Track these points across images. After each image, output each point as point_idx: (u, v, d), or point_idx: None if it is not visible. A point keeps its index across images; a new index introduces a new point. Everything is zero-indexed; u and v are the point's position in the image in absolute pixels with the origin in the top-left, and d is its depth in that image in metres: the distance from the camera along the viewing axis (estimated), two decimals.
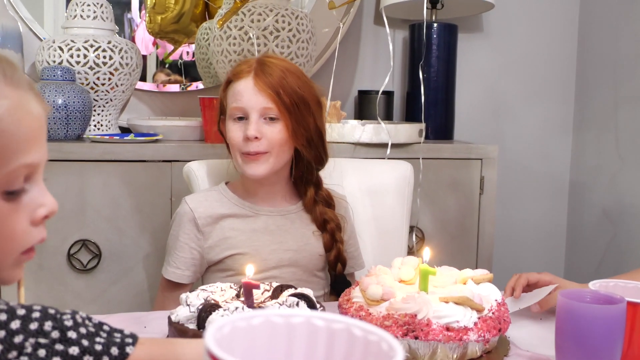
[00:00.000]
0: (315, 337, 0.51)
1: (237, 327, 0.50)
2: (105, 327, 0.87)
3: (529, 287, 1.38)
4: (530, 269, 2.92)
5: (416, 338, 1.04)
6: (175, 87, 2.62)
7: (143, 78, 2.58)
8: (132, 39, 2.62)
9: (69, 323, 0.84)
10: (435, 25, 2.51)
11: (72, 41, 2.13)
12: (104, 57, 2.14)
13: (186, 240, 1.52)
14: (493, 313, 1.10)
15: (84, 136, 2.11)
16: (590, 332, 0.95)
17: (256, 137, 1.47)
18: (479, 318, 1.08)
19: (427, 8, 2.56)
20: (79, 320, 0.85)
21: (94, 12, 2.19)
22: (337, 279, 1.61)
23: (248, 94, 1.48)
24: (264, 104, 1.48)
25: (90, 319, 0.89)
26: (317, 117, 1.54)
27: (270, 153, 1.49)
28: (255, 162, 1.49)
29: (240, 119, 1.50)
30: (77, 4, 2.19)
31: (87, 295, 2.00)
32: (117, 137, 2.06)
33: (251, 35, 2.04)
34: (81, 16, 2.18)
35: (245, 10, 2.12)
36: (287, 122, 1.49)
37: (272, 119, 1.49)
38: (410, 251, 2.20)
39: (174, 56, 2.70)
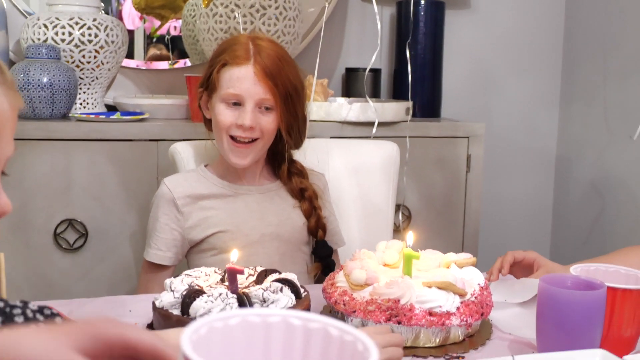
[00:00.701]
0: (292, 337, 0.52)
1: (214, 327, 0.51)
2: (58, 320, 0.85)
3: (515, 265, 1.40)
4: (516, 244, 2.96)
5: (399, 323, 1.05)
6: (162, 65, 2.60)
7: (130, 54, 2.56)
8: (119, 13, 2.59)
9: (19, 320, 0.81)
10: (422, 2, 2.50)
11: (57, 18, 2.11)
12: (89, 34, 2.12)
13: (166, 221, 1.53)
14: (475, 297, 1.12)
15: (70, 115, 2.10)
16: (571, 317, 0.97)
17: (251, 127, 1.48)
18: (461, 302, 1.09)
19: None
20: (29, 314, 0.83)
21: None
22: (319, 243, 1.62)
23: (248, 83, 1.48)
24: (261, 95, 1.49)
25: (42, 312, 0.85)
26: (304, 104, 1.57)
27: (260, 140, 1.52)
28: (244, 151, 1.50)
29: (235, 104, 1.49)
30: None
31: (74, 274, 2.00)
32: (103, 116, 2.05)
33: (237, 15, 2.03)
34: None
35: None
36: (280, 111, 1.51)
37: (267, 108, 1.51)
38: (397, 229, 2.22)
39: (162, 31, 2.68)
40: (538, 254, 1.37)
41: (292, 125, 1.55)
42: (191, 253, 1.56)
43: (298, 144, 1.61)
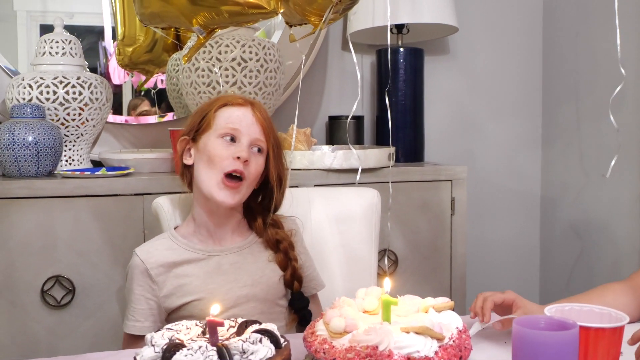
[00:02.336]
0: None
1: None
2: None
3: (495, 308, 1.41)
4: (504, 286, 2.97)
5: None
6: (146, 119, 2.63)
7: (118, 108, 2.60)
8: (107, 68, 2.63)
9: None
10: (401, 49, 2.55)
11: (42, 78, 2.15)
12: (74, 92, 2.16)
13: (142, 292, 1.53)
14: (454, 341, 1.13)
15: (56, 172, 2.12)
16: (545, 357, 0.98)
17: (246, 161, 1.51)
18: (439, 347, 1.10)
19: (392, 33, 2.62)
20: None
21: (63, 48, 2.21)
22: (295, 296, 1.62)
23: (246, 121, 1.54)
24: (257, 135, 1.55)
25: None
26: (284, 163, 1.63)
27: (245, 182, 1.53)
28: (232, 190, 1.52)
29: (231, 140, 1.53)
30: (45, 41, 2.21)
31: (61, 331, 2.00)
32: (88, 172, 2.07)
33: (216, 70, 2.07)
34: (50, 53, 2.20)
35: (212, 42, 2.15)
36: (271, 157, 1.57)
37: (258, 150, 1.55)
38: (384, 274, 2.23)
39: (149, 84, 2.71)
40: (516, 295, 1.39)
41: (277, 177, 1.59)
42: (169, 319, 1.55)
43: (278, 203, 1.64)
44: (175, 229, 1.62)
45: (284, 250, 1.60)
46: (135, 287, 1.54)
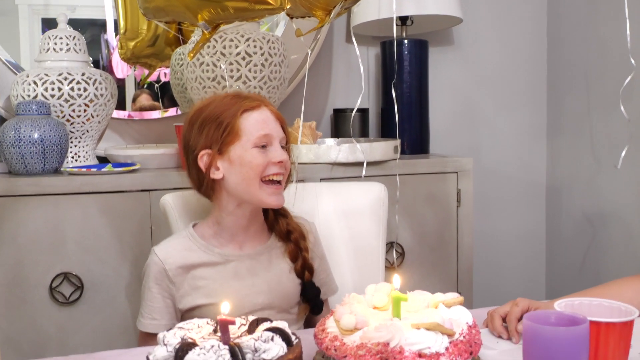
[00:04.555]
0: None
1: None
2: None
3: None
4: (511, 277, 2.97)
5: None
6: (150, 115, 2.63)
7: (122, 102, 2.60)
8: (109, 61, 2.63)
9: None
10: (406, 41, 2.55)
11: (46, 74, 2.15)
12: (79, 89, 2.16)
13: (159, 291, 1.53)
14: (464, 337, 1.13)
15: (62, 169, 2.13)
16: (554, 353, 0.98)
17: (280, 162, 1.52)
18: (450, 342, 1.10)
19: (397, 25, 2.61)
20: None
21: (67, 44, 2.21)
22: (306, 285, 1.62)
23: (272, 122, 1.54)
24: (281, 132, 1.55)
25: None
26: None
27: (285, 181, 1.56)
28: (279, 192, 1.54)
29: (263, 146, 1.52)
30: (49, 37, 2.20)
31: (71, 327, 2.01)
32: (95, 169, 2.07)
33: (221, 65, 2.07)
34: (54, 49, 2.20)
35: (217, 37, 2.15)
36: (289, 151, 1.58)
37: (282, 147, 1.56)
38: (391, 267, 2.24)
39: (152, 77, 2.71)
40: (529, 300, 1.36)
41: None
42: (183, 319, 1.55)
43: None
44: (193, 226, 1.61)
45: (294, 240, 1.60)
46: (152, 285, 1.54)
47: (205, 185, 1.55)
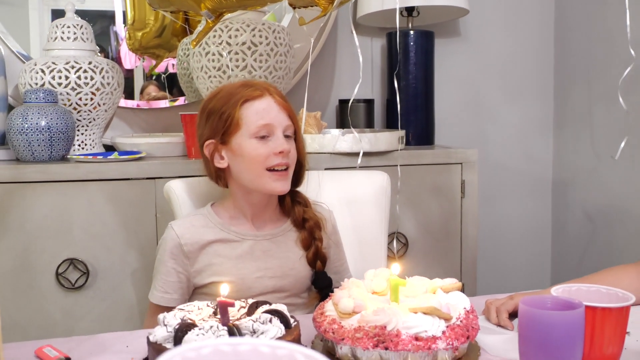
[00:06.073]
0: None
1: (187, 357, 0.54)
2: None
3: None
4: (516, 270, 2.98)
5: (386, 349, 1.08)
6: (158, 104, 2.65)
7: (130, 93, 2.62)
8: (118, 52, 2.65)
9: None
10: (411, 32, 2.55)
11: (54, 63, 2.17)
12: (85, 77, 2.17)
13: (173, 265, 1.54)
14: (461, 321, 1.14)
15: (68, 156, 2.15)
16: (551, 337, 0.99)
17: (281, 152, 1.51)
18: (447, 326, 1.12)
19: (402, 16, 2.61)
20: None
21: (74, 33, 2.23)
22: (318, 275, 1.63)
23: (273, 112, 1.52)
24: (286, 122, 1.54)
25: None
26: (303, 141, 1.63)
27: (290, 168, 1.56)
28: (283, 179, 1.54)
29: (263, 137, 1.52)
30: (57, 26, 2.22)
31: (77, 313, 2.03)
32: (101, 157, 2.09)
33: (225, 54, 2.08)
34: (62, 38, 2.22)
35: (222, 26, 2.16)
36: (298, 138, 1.58)
37: (287, 136, 1.55)
38: (394, 257, 2.25)
39: (160, 68, 2.72)
40: (526, 294, 1.36)
41: (302, 156, 1.61)
42: (195, 294, 1.57)
43: (301, 180, 1.65)
44: (212, 205, 1.62)
45: (309, 228, 1.61)
46: (167, 259, 1.54)
47: (214, 173, 1.58)
